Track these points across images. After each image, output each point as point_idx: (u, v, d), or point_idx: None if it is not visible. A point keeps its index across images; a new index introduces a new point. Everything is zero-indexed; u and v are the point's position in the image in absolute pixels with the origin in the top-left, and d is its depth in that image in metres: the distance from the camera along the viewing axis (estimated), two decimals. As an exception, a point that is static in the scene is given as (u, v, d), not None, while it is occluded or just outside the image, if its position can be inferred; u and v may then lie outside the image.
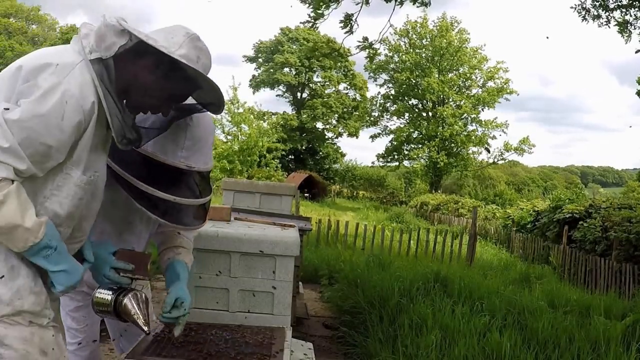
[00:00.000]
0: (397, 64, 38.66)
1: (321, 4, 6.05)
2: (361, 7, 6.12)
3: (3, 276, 1.49)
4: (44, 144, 1.45)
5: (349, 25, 6.04)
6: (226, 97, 23.87)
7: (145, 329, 1.74)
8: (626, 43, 8.41)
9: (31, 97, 1.45)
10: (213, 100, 1.77)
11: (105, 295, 1.74)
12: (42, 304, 1.55)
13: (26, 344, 1.51)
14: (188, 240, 2.10)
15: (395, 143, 39.14)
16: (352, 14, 6.11)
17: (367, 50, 6.60)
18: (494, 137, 38.31)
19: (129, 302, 1.71)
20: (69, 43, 1.62)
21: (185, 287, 1.91)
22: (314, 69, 42.40)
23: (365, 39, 6.49)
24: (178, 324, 1.89)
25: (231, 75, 67.88)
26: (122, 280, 1.76)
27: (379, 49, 7.22)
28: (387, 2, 6.04)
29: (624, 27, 8.31)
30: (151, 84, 1.65)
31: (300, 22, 7.27)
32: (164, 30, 1.67)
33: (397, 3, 5.97)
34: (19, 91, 1.47)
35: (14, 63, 1.56)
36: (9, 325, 1.49)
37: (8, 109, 1.43)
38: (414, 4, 6.13)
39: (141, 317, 1.72)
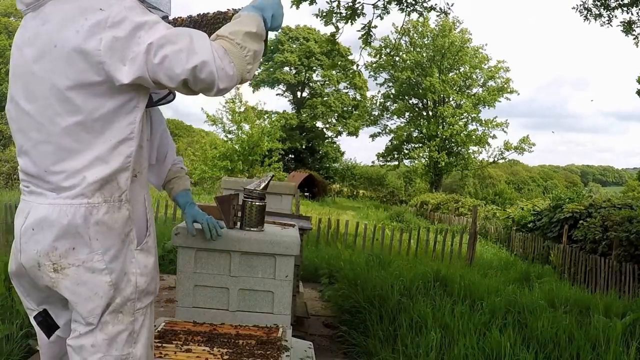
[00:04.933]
0: (398, 63, 38.61)
1: (345, 18, 6.04)
2: (374, 17, 6.11)
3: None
4: None
5: (368, 35, 6.01)
6: (229, 95, 23.90)
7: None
8: (637, 46, 8.38)
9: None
10: None
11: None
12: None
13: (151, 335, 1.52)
14: (178, 168, 2.32)
15: (395, 142, 39.13)
16: (370, 22, 6.08)
17: (367, 35, 6.50)
18: (494, 137, 38.35)
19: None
20: None
21: (194, 209, 2.33)
22: (314, 67, 42.33)
23: (369, 25, 6.40)
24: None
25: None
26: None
27: (383, 46, 7.28)
28: (402, 12, 6.03)
29: (629, 28, 8.29)
30: None
31: (324, 37, 7.34)
32: None
33: (418, 15, 5.98)
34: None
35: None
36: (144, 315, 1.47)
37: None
38: (429, 12, 6.13)
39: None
